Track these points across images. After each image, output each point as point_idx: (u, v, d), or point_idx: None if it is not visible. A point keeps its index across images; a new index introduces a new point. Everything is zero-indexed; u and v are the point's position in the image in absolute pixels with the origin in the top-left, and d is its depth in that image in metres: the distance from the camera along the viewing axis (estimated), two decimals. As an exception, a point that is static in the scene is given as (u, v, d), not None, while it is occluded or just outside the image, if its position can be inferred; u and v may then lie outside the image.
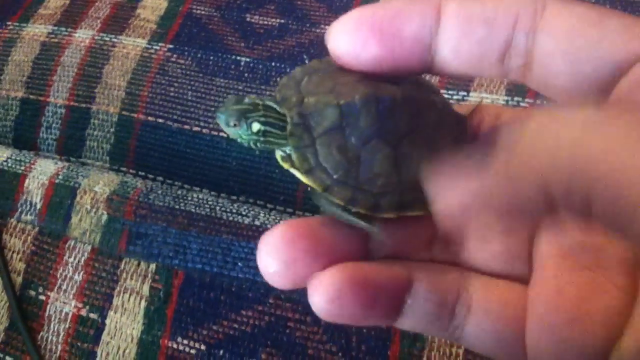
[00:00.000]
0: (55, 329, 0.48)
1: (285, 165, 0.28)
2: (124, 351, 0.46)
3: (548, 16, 0.25)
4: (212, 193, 0.54)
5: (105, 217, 0.49)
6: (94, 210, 0.50)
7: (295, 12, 0.61)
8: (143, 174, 0.56)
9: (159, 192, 0.51)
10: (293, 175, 0.28)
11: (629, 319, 0.25)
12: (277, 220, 0.48)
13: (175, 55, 0.60)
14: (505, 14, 0.25)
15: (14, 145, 0.59)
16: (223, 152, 0.55)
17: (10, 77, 0.61)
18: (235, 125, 0.28)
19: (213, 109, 0.56)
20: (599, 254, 0.27)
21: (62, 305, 0.48)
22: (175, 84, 0.58)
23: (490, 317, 0.29)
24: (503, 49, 0.26)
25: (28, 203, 0.51)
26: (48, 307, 0.49)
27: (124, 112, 0.58)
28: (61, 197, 0.51)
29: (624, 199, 0.18)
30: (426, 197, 0.23)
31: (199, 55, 0.59)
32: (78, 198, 0.51)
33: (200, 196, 0.51)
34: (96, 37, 0.62)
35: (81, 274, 0.49)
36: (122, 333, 0.47)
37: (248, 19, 0.61)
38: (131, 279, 0.48)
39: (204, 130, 0.56)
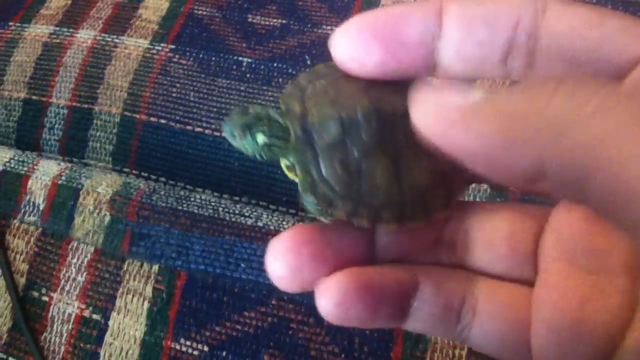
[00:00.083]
0: (58, 330, 0.48)
1: (290, 175, 0.29)
2: (126, 352, 0.47)
3: (549, 17, 0.24)
4: (215, 194, 0.54)
5: (108, 218, 0.49)
6: (97, 211, 0.50)
7: (297, 13, 0.61)
8: (145, 174, 0.56)
9: (162, 193, 0.51)
10: None
11: (631, 322, 0.26)
12: (279, 221, 0.48)
13: (177, 56, 0.60)
14: (506, 15, 0.25)
15: (17, 146, 0.59)
16: (225, 152, 0.55)
17: (12, 78, 0.61)
18: (239, 137, 0.28)
19: (215, 109, 0.57)
20: (602, 258, 0.27)
21: (65, 306, 0.48)
22: (177, 85, 0.58)
23: (496, 320, 0.29)
24: (505, 50, 0.25)
25: (31, 204, 0.51)
26: (51, 308, 0.49)
27: (126, 113, 0.58)
28: (64, 198, 0.51)
29: (621, 186, 0.19)
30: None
31: (200, 55, 0.59)
32: (81, 199, 0.51)
33: (203, 197, 0.51)
34: (98, 38, 0.62)
35: (84, 275, 0.49)
36: (124, 334, 0.47)
37: (250, 20, 0.61)
38: (134, 280, 0.48)
39: (207, 131, 0.56)
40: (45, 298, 0.49)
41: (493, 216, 0.30)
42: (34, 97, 0.60)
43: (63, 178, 0.52)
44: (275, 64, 0.58)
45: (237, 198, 0.54)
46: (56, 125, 0.59)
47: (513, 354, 0.29)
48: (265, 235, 0.47)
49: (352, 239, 0.29)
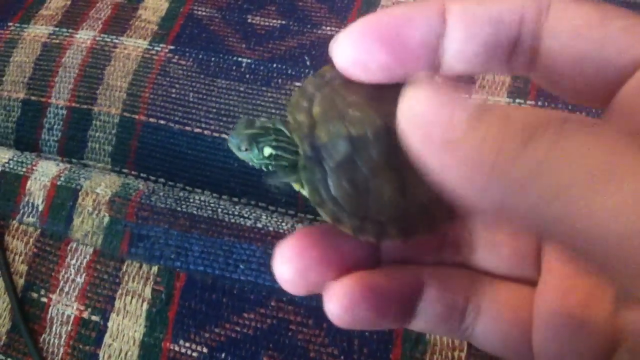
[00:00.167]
0: (57, 331, 0.48)
1: (297, 187, 0.29)
2: (125, 354, 0.46)
3: (552, 16, 0.24)
4: (214, 195, 0.54)
5: (107, 219, 0.49)
6: (96, 212, 0.50)
7: (297, 13, 0.61)
8: (145, 175, 0.56)
9: (161, 194, 0.51)
10: None
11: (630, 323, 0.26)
12: (278, 222, 0.48)
13: (176, 57, 0.60)
14: (509, 14, 0.25)
15: (16, 147, 0.59)
16: (225, 153, 0.55)
17: (11, 78, 0.61)
18: (246, 149, 0.28)
19: (214, 110, 0.56)
20: None
21: (64, 307, 0.48)
22: (177, 85, 0.58)
23: (498, 319, 0.30)
24: (509, 49, 0.25)
25: (30, 205, 0.51)
26: (50, 309, 0.49)
27: (125, 114, 0.58)
28: (63, 199, 0.51)
29: (583, 235, 0.19)
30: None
31: (200, 56, 0.59)
32: (80, 200, 0.51)
33: (202, 198, 0.51)
34: (97, 38, 0.62)
35: (83, 276, 0.49)
36: (124, 335, 0.47)
37: (249, 20, 0.61)
38: (133, 281, 0.48)
39: (206, 132, 0.56)
40: (44, 299, 0.49)
41: None
42: (33, 98, 0.60)
43: (62, 179, 0.52)
44: (274, 65, 0.58)
45: (236, 199, 0.54)
46: (55, 126, 0.59)
47: (515, 352, 0.29)
48: (265, 237, 0.47)
49: (358, 240, 0.29)
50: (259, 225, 0.48)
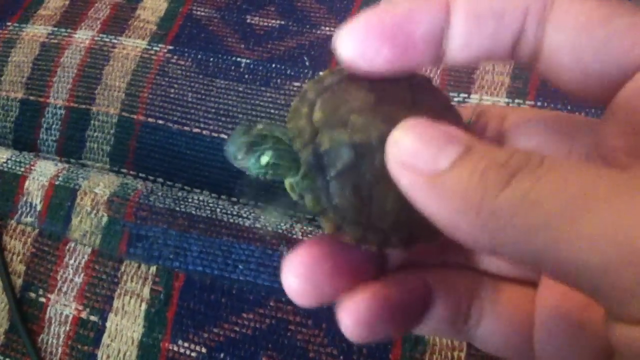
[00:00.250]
0: (56, 331, 0.48)
1: (294, 196, 0.28)
2: (124, 354, 0.46)
3: (557, 10, 0.24)
4: (213, 195, 0.54)
5: (105, 219, 0.49)
6: (94, 212, 0.50)
7: (296, 14, 0.61)
8: (143, 175, 0.56)
9: (160, 193, 0.51)
10: None
11: None
12: (277, 223, 0.48)
13: (175, 57, 0.59)
14: (514, 7, 0.25)
15: (14, 147, 0.59)
16: (223, 153, 0.55)
17: (9, 78, 0.61)
18: (243, 158, 0.27)
19: (213, 110, 0.56)
20: None
21: (62, 307, 0.48)
22: (175, 85, 0.58)
23: (501, 320, 0.30)
24: (513, 42, 0.25)
25: (28, 205, 0.51)
26: (48, 309, 0.49)
27: (124, 114, 0.58)
28: (61, 199, 0.51)
29: (572, 264, 0.19)
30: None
31: (199, 56, 0.59)
32: (78, 200, 0.50)
33: (201, 198, 0.51)
34: (96, 38, 0.62)
35: (81, 276, 0.49)
36: (122, 336, 0.47)
37: (248, 20, 0.61)
38: (132, 281, 0.48)
39: (204, 132, 0.56)
40: (43, 299, 0.49)
41: None
42: (31, 98, 0.60)
43: (60, 179, 0.52)
44: (273, 65, 0.58)
45: (235, 199, 0.54)
46: (54, 126, 0.59)
47: (517, 353, 0.30)
48: (263, 237, 0.47)
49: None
50: (258, 225, 0.48)
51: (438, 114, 0.28)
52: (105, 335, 0.47)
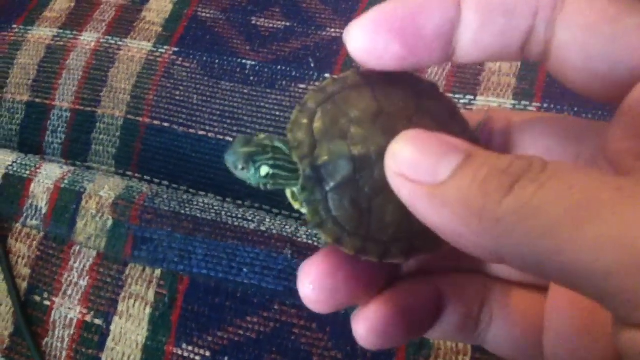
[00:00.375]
0: (60, 334, 0.48)
1: (296, 205, 0.28)
2: (128, 357, 0.46)
3: (567, 8, 0.24)
4: (218, 198, 0.54)
5: (110, 222, 0.49)
6: (100, 215, 0.50)
7: (301, 15, 0.61)
8: (148, 178, 0.56)
9: (165, 196, 0.50)
10: None
11: None
12: (282, 225, 0.48)
13: (180, 59, 0.59)
14: (525, 4, 0.25)
15: (20, 149, 0.59)
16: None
17: (15, 81, 0.61)
18: (243, 168, 0.27)
19: (218, 112, 0.56)
20: None
21: (67, 310, 0.48)
22: (181, 88, 0.58)
23: (511, 325, 0.30)
24: (523, 39, 0.25)
25: (33, 208, 0.51)
26: (53, 312, 0.49)
27: (129, 116, 0.58)
28: (66, 202, 0.51)
29: (576, 270, 0.19)
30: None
31: (204, 58, 0.59)
32: (83, 203, 0.50)
33: (206, 201, 0.51)
34: (101, 40, 0.62)
35: (86, 279, 0.49)
36: (126, 339, 0.47)
37: (253, 22, 0.61)
38: (136, 284, 0.48)
39: (210, 134, 0.56)
40: (47, 302, 0.49)
41: None
42: (37, 100, 0.60)
43: (66, 182, 0.52)
44: (279, 67, 0.58)
45: (239, 202, 0.54)
46: (59, 129, 0.59)
47: (527, 357, 0.30)
48: (268, 240, 0.47)
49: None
50: (263, 228, 0.48)
51: (442, 121, 0.28)
52: (110, 338, 0.47)
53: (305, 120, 0.27)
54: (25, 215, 0.51)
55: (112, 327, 0.47)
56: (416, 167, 0.22)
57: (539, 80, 0.52)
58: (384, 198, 0.26)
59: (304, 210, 0.27)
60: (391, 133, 0.24)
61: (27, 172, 0.53)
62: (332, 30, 0.59)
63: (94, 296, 0.48)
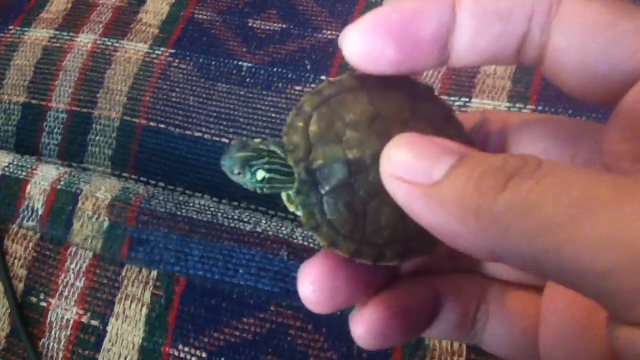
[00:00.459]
0: (57, 335, 0.48)
1: (291, 208, 0.28)
2: (125, 358, 0.46)
3: (563, 12, 0.24)
4: (214, 199, 0.54)
5: (107, 223, 0.49)
6: (96, 216, 0.50)
7: (297, 18, 0.61)
8: (145, 179, 0.56)
9: (161, 198, 0.51)
10: None
11: None
12: (278, 227, 0.48)
13: (177, 60, 0.60)
14: (520, 9, 0.25)
15: (16, 151, 0.59)
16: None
17: (12, 82, 0.61)
18: (239, 173, 0.28)
19: (215, 114, 0.56)
20: None
21: (63, 312, 0.48)
22: (177, 89, 0.58)
23: (507, 325, 0.30)
24: (519, 44, 0.25)
25: (30, 209, 0.51)
26: (49, 313, 0.49)
27: (125, 118, 0.58)
28: (63, 203, 0.51)
29: (575, 268, 0.19)
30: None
31: (201, 60, 0.59)
32: (80, 204, 0.51)
33: (202, 202, 0.51)
34: (98, 42, 0.62)
35: (83, 280, 0.49)
36: (123, 340, 0.47)
37: (250, 24, 0.61)
38: (133, 285, 0.48)
39: (206, 136, 0.56)
40: (44, 304, 0.49)
41: None
42: (33, 102, 0.60)
43: (62, 183, 0.52)
44: (275, 69, 0.58)
45: (236, 203, 0.54)
46: (55, 130, 0.59)
47: (523, 356, 0.30)
48: (264, 241, 0.47)
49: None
50: (259, 229, 0.48)
51: (438, 125, 0.28)
52: (106, 339, 0.47)
53: (301, 124, 0.27)
54: (21, 216, 0.51)
55: (109, 328, 0.47)
56: (411, 170, 0.22)
57: (534, 83, 0.52)
58: (379, 201, 0.26)
59: (299, 213, 0.27)
60: (386, 137, 0.24)
61: (24, 174, 0.53)
62: (329, 32, 0.60)
63: (91, 297, 0.48)
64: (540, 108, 0.51)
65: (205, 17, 0.62)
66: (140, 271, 0.48)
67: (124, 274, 0.48)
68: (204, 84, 0.58)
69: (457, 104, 0.53)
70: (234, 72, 0.58)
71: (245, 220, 0.49)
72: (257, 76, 0.58)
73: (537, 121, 0.30)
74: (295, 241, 0.47)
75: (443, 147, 0.22)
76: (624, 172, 0.24)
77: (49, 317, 0.49)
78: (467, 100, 0.53)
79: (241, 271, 0.46)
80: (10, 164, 0.54)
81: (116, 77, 0.60)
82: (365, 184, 0.26)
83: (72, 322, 0.48)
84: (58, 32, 0.63)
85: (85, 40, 0.62)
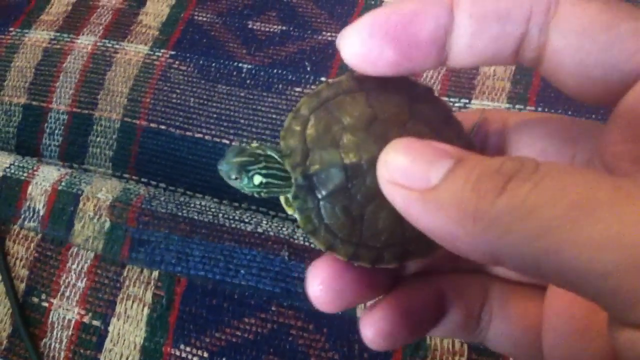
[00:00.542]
0: (58, 336, 0.48)
1: (290, 211, 0.28)
2: (126, 358, 0.46)
3: (561, 13, 0.24)
4: (215, 200, 0.54)
5: (108, 224, 0.49)
6: (97, 217, 0.50)
7: (297, 19, 0.61)
8: (145, 180, 0.56)
9: (162, 198, 0.51)
10: None
11: None
12: (279, 227, 0.48)
13: (177, 62, 0.60)
14: (518, 9, 0.25)
15: (17, 152, 0.59)
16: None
17: (12, 84, 0.61)
18: (236, 178, 0.28)
19: (215, 115, 0.57)
20: None
21: (65, 312, 0.48)
22: (177, 91, 0.58)
23: (510, 323, 0.30)
24: (517, 44, 0.25)
25: (31, 210, 0.51)
26: (51, 314, 0.49)
27: (126, 119, 0.58)
28: (64, 204, 0.51)
29: (573, 270, 0.19)
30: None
31: (200, 61, 0.59)
32: (81, 205, 0.51)
33: (203, 203, 0.51)
34: (98, 43, 0.62)
35: (84, 280, 0.49)
36: (124, 340, 0.47)
37: (250, 26, 0.62)
38: (134, 286, 0.48)
39: (206, 137, 0.56)
40: (45, 304, 0.49)
41: None
42: (34, 103, 0.60)
43: (63, 184, 0.52)
44: (275, 70, 0.58)
45: (236, 204, 0.54)
46: (56, 131, 0.59)
47: (526, 354, 0.31)
48: (265, 242, 0.47)
49: None
50: (260, 230, 0.48)
51: (437, 126, 0.28)
52: (108, 339, 0.47)
53: (298, 128, 0.27)
54: (22, 217, 0.52)
55: (110, 329, 0.47)
56: (408, 174, 0.22)
57: (533, 84, 0.52)
58: (376, 205, 0.26)
59: (297, 216, 0.28)
60: (384, 140, 0.24)
61: (25, 175, 0.53)
62: (328, 34, 0.60)
63: (92, 297, 0.48)
64: (539, 109, 0.51)
65: (205, 19, 0.63)
66: (142, 271, 0.48)
67: (125, 274, 0.48)
68: (204, 85, 0.58)
69: (456, 105, 0.53)
70: (234, 73, 0.58)
71: (246, 220, 0.49)
72: (257, 77, 0.58)
73: (537, 121, 0.30)
74: (296, 241, 0.47)
75: (440, 151, 0.22)
76: (623, 173, 0.24)
77: (50, 317, 0.49)
78: (467, 101, 0.53)
79: (242, 271, 0.46)
80: (11, 164, 0.54)
81: (116, 78, 0.60)
82: (362, 188, 0.26)
83: (73, 322, 0.48)
84: (58, 34, 0.63)
85: (86, 41, 0.62)
